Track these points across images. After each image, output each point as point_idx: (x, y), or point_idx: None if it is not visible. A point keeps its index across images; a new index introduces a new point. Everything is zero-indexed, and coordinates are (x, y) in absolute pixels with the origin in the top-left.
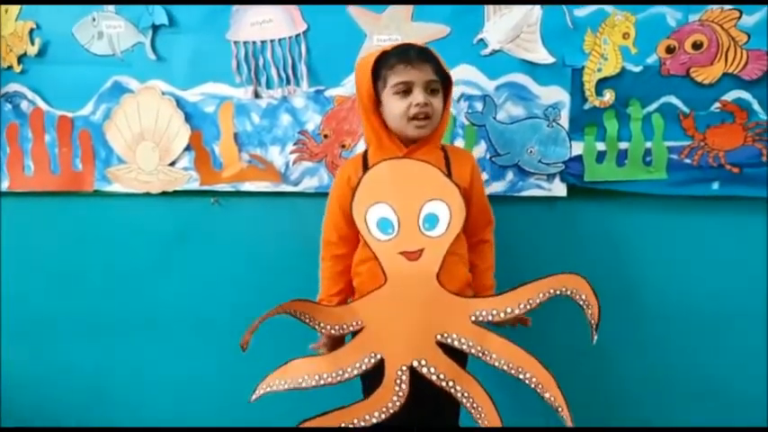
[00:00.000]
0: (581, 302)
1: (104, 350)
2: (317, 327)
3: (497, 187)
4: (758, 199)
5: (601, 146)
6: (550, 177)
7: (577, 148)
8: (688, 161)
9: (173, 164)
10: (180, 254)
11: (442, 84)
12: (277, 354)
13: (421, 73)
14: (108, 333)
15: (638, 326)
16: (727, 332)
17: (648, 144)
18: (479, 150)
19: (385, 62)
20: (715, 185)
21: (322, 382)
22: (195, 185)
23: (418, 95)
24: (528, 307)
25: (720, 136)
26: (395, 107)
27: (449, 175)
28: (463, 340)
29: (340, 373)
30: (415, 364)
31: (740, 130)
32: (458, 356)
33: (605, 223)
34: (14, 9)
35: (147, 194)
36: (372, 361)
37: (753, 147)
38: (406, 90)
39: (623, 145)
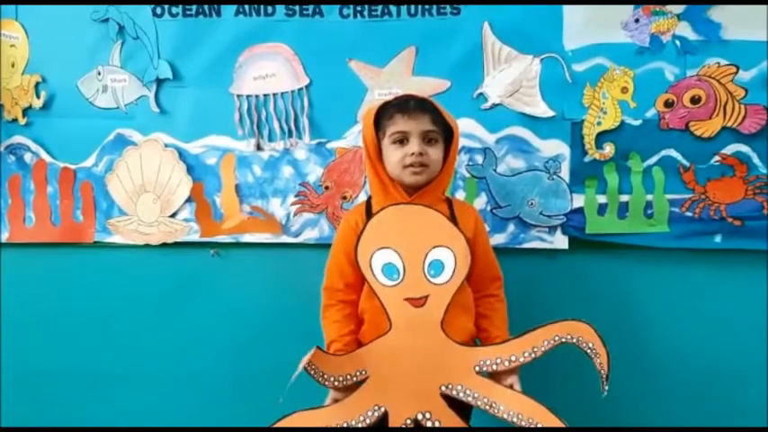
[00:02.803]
0: (588, 351)
1: (104, 402)
2: (320, 379)
3: (499, 239)
4: (760, 252)
5: (602, 198)
6: (552, 230)
7: (578, 201)
8: (689, 214)
9: (173, 215)
10: (180, 305)
11: (445, 134)
12: (278, 402)
13: (417, 123)
14: (108, 384)
15: (641, 378)
16: (728, 385)
17: (649, 197)
18: (480, 202)
19: (385, 113)
20: (717, 238)
21: None
22: (196, 237)
23: (414, 145)
24: (533, 355)
25: (721, 189)
26: (392, 156)
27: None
28: (468, 392)
29: (344, 426)
30: (420, 417)
31: (740, 184)
32: (460, 406)
33: (607, 276)
34: (21, 63)
35: (147, 246)
36: (377, 414)
37: (753, 200)
38: (402, 139)
39: (624, 197)
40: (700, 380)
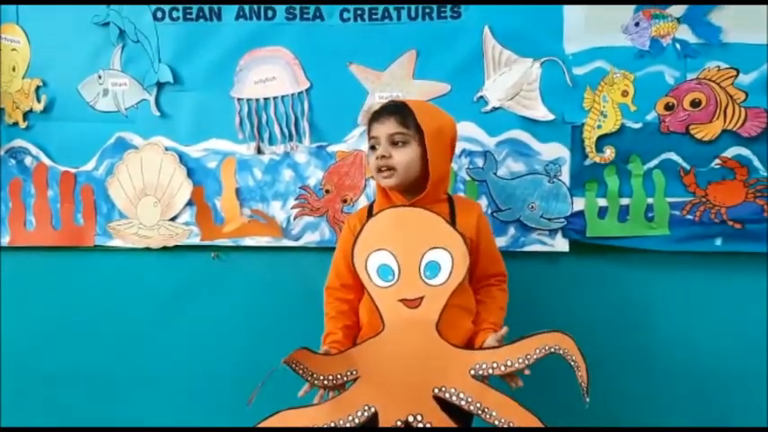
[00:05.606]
0: (572, 363)
1: (104, 405)
2: (309, 378)
3: (500, 242)
4: (761, 255)
5: (602, 201)
6: (552, 233)
7: (579, 204)
8: (690, 217)
9: (174, 219)
10: (180, 309)
11: (419, 135)
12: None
13: (384, 127)
14: (109, 389)
15: (642, 379)
16: (729, 387)
17: (650, 200)
18: (481, 205)
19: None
20: (718, 241)
21: None
22: (196, 240)
23: (380, 149)
24: (526, 362)
25: (721, 192)
26: (369, 162)
27: (452, 224)
28: (462, 395)
29: (332, 426)
30: (410, 419)
31: (741, 187)
32: (461, 410)
33: (608, 279)
34: (22, 66)
35: (148, 249)
36: (366, 414)
37: (754, 203)
38: (374, 145)
39: (625, 201)
40: (700, 381)
